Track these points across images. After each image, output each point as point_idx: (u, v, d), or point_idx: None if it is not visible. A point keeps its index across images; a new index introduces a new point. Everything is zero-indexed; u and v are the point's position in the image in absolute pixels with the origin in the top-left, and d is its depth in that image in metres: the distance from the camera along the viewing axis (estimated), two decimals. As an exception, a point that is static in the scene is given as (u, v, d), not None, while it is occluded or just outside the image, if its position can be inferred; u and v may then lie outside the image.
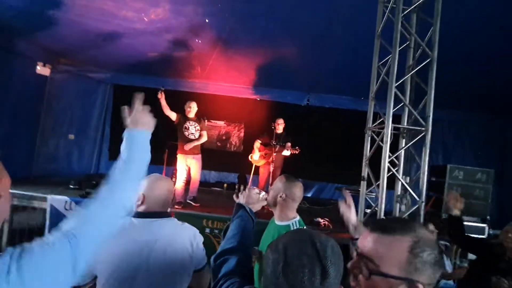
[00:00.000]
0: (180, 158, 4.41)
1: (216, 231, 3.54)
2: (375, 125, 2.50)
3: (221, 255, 1.09)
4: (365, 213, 2.51)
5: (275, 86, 6.60)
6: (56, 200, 3.43)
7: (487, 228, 3.87)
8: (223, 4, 3.80)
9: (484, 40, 3.48)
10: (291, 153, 4.77)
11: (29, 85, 5.47)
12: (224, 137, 7.35)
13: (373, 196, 2.54)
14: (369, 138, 2.53)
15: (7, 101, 5.07)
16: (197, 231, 1.62)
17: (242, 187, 1.64)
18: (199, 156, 4.48)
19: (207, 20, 4.33)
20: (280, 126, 4.94)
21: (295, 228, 1.75)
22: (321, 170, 6.58)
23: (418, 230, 0.73)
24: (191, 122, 4.46)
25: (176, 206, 4.14)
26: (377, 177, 2.36)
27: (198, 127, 4.48)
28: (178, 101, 5.09)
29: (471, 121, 6.48)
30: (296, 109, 6.59)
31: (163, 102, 4.19)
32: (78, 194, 3.81)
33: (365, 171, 2.56)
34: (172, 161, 4.84)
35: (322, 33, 4.08)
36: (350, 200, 1.34)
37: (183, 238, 1.48)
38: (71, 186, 4.48)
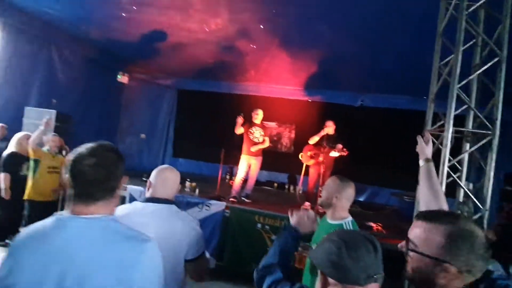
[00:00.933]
0: (244, 158, 4.92)
1: (267, 227, 3.73)
2: (435, 128, 2.37)
3: (264, 269, 1.21)
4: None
5: (327, 87, 6.53)
6: (134, 190, 4.05)
7: None
8: (277, 9, 3.97)
9: None
10: (339, 155, 4.70)
11: (111, 91, 6.45)
12: (275, 138, 7.53)
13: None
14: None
15: (94, 105, 6.07)
16: (194, 220, 1.64)
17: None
18: (260, 157, 4.98)
19: (261, 26, 4.55)
20: (329, 128, 4.90)
21: (348, 227, 1.79)
22: (375, 174, 6.27)
23: (458, 222, 0.84)
24: (256, 127, 4.91)
25: (231, 199, 4.55)
26: (436, 182, 2.24)
27: (262, 132, 4.96)
28: (233, 103, 5.45)
29: None
30: (349, 110, 6.42)
31: (239, 124, 4.74)
32: (150, 185, 4.39)
33: (422, 175, 2.44)
34: (228, 160, 5.20)
35: (377, 32, 3.96)
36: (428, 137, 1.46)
37: (177, 224, 1.49)
38: (144, 179, 5.16)
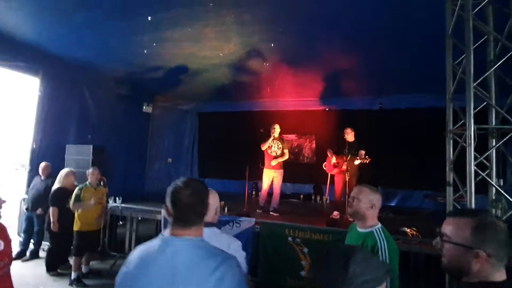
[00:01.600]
0: (266, 172, 5.20)
1: (298, 239, 3.74)
2: (457, 127, 2.35)
3: None
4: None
5: (343, 95, 6.55)
6: (166, 213, 4.23)
7: None
8: (285, 27, 4.13)
9: None
10: (361, 162, 4.66)
11: (138, 121, 6.90)
12: (296, 150, 7.58)
13: (464, 202, 2.35)
14: (451, 140, 2.38)
15: (124, 135, 6.50)
16: (237, 241, 1.72)
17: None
18: (282, 170, 5.20)
19: (272, 45, 4.74)
20: (349, 135, 4.91)
21: (379, 234, 1.79)
22: (404, 177, 6.07)
23: (484, 216, 0.99)
24: (274, 141, 5.17)
25: (258, 210, 4.90)
26: (464, 181, 2.20)
27: (280, 146, 5.19)
28: (252, 120, 5.61)
29: None
30: (368, 114, 6.36)
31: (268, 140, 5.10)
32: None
33: (450, 176, 2.40)
34: (253, 176, 5.34)
35: (388, 36, 4.00)
36: None
37: (221, 247, 1.63)
38: (174, 202, 5.38)
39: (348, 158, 4.70)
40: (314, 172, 6.56)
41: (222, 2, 3.59)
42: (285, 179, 7.26)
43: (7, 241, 1.52)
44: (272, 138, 5.08)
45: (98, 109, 5.94)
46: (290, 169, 7.24)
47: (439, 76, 3.68)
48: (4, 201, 1.59)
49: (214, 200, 1.79)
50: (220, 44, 4.66)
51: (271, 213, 5.02)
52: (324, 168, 5.24)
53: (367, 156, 4.64)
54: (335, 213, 4.89)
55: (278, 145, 5.14)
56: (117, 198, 5.22)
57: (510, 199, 2.08)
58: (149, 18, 3.92)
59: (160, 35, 4.35)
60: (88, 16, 3.84)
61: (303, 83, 6.12)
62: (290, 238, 3.78)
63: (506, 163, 2.26)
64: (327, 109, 6.88)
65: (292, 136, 7.62)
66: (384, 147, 5.91)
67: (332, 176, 5.21)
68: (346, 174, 4.67)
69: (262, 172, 5.28)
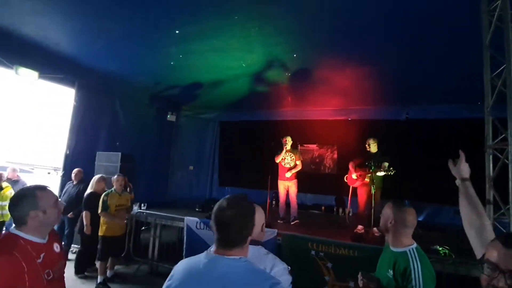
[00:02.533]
0: (280, 183, 5.26)
1: (321, 254, 3.63)
2: (497, 142, 2.21)
3: None
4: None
5: (367, 104, 6.40)
6: (190, 220, 4.30)
7: None
8: (308, 38, 4.14)
9: None
10: (385, 174, 4.49)
11: (162, 130, 7.11)
12: (317, 160, 7.46)
13: (506, 221, 2.19)
14: (491, 156, 2.23)
15: (149, 144, 6.71)
16: (282, 264, 1.60)
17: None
18: (295, 180, 5.23)
19: (295, 55, 4.75)
20: (372, 146, 4.76)
21: (412, 254, 1.69)
22: (432, 191, 5.74)
23: None
24: (287, 153, 5.23)
25: (279, 221, 4.98)
26: (505, 199, 2.04)
27: (293, 157, 5.24)
28: (273, 130, 5.61)
29: None
30: (394, 125, 6.15)
31: (281, 154, 5.20)
32: (205, 215, 4.64)
33: (490, 193, 2.24)
34: (273, 186, 5.32)
35: (414, 46, 3.89)
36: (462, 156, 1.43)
37: (260, 265, 1.57)
38: (197, 209, 5.47)
39: (372, 171, 4.53)
40: (335, 183, 6.40)
41: (246, 14, 3.67)
42: (306, 190, 7.23)
43: (61, 245, 1.55)
44: (284, 150, 5.13)
45: (127, 118, 6.20)
46: (311, 180, 7.16)
47: (470, 86, 3.52)
48: (63, 204, 1.63)
49: (259, 216, 1.74)
50: (243, 54, 4.74)
51: (291, 223, 4.97)
52: (346, 181, 5.10)
53: (391, 168, 4.45)
54: (360, 227, 4.72)
55: (291, 157, 5.20)
56: (142, 205, 5.36)
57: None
58: (177, 31, 4.08)
59: (186, 47, 4.50)
60: (121, 31, 4.06)
61: (325, 92, 6.06)
62: (313, 252, 3.68)
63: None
64: (349, 119, 6.74)
65: (313, 146, 7.51)
66: (411, 159, 5.66)
67: (355, 188, 5.05)
68: (372, 187, 4.50)
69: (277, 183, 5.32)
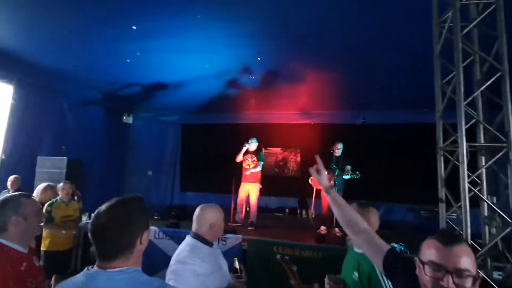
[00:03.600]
0: (242, 185, 5.11)
1: (287, 257, 3.60)
2: (447, 144, 2.39)
3: None
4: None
5: (328, 109, 6.65)
6: (148, 230, 3.95)
7: None
8: (273, 42, 4.15)
9: None
10: (351, 177, 4.69)
11: (117, 132, 6.58)
12: (281, 163, 7.53)
13: (454, 217, 2.37)
14: (442, 157, 2.41)
15: (102, 147, 6.15)
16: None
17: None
18: (258, 184, 5.10)
19: (259, 59, 4.74)
20: (339, 150, 4.96)
21: None
22: (387, 190, 6.15)
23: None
24: (250, 154, 5.15)
25: (234, 225, 4.82)
26: (457, 197, 2.21)
27: (254, 158, 5.15)
28: (237, 133, 5.53)
29: None
30: (351, 129, 6.47)
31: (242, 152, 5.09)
32: (164, 224, 4.33)
33: (442, 192, 2.41)
34: (237, 189, 5.20)
35: (371, 52, 4.11)
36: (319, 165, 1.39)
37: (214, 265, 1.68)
38: (155, 217, 5.10)
39: (337, 174, 4.71)
40: (299, 185, 6.52)
41: (210, 14, 3.55)
42: (270, 193, 7.24)
43: (39, 261, 1.46)
44: (244, 149, 5.04)
45: (75, 119, 5.59)
46: (275, 183, 7.21)
47: (422, 92, 3.81)
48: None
49: (210, 215, 1.70)
50: (207, 55, 4.59)
51: (249, 228, 4.88)
52: (310, 183, 5.20)
53: (357, 172, 4.67)
54: (322, 228, 4.82)
55: (252, 158, 5.12)
56: (92, 214, 4.85)
57: (505, 216, 2.11)
58: (134, 27, 3.79)
59: (144, 45, 4.21)
60: (69, 22, 3.64)
61: (288, 96, 6.16)
62: (278, 256, 3.63)
63: (497, 179, 2.30)
64: (311, 122, 6.93)
65: (277, 149, 7.58)
66: (368, 161, 6.00)
67: (318, 191, 5.17)
68: (334, 189, 4.64)
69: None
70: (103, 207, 0.95)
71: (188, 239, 1.69)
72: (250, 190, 5.04)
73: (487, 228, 2.18)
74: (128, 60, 4.66)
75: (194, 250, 1.60)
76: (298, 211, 6.79)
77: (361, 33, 3.63)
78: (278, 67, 4.96)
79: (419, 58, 3.32)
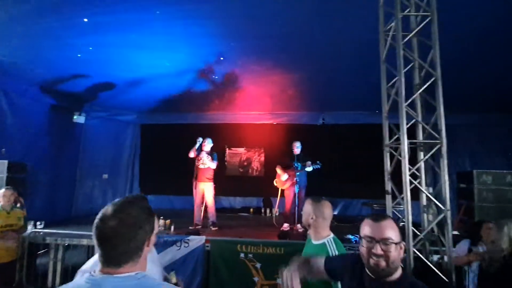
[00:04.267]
0: (197, 185, 5.08)
1: (250, 255, 3.68)
2: (392, 142, 2.66)
3: None
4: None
5: (290, 109, 6.88)
6: (103, 237, 3.74)
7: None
8: (236, 42, 4.21)
9: (490, 46, 3.65)
10: (313, 169, 4.95)
11: (67, 133, 6.09)
12: (245, 163, 7.61)
13: (402, 209, 2.64)
14: (388, 154, 2.68)
15: (50, 150, 5.65)
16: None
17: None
18: (212, 183, 5.14)
19: (222, 58, 4.76)
20: (297, 148, 5.19)
21: (330, 244, 1.86)
22: (345, 187, 6.58)
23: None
24: (205, 154, 5.16)
25: (194, 227, 4.76)
26: (402, 190, 2.47)
27: (209, 157, 5.19)
28: (200, 133, 5.47)
29: (496, 123, 6.31)
30: (312, 129, 6.79)
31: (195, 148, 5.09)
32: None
33: (389, 186, 2.68)
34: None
35: (329, 57, 4.38)
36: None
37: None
38: (112, 223, 4.82)
39: (300, 169, 4.94)
40: (263, 185, 6.65)
41: (170, 11, 3.49)
42: (235, 193, 7.29)
43: None
44: (198, 144, 5.07)
45: (17, 118, 5.06)
46: (240, 183, 7.28)
47: (372, 96, 4.16)
48: None
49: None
50: (167, 53, 4.49)
51: (210, 227, 4.89)
52: (275, 184, 5.33)
53: (318, 162, 4.93)
54: (285, 225, 4.99)
55: (207, 157, 5.15)
56: (37, 223, 4.45)
57: (440, 204, 2.40)
58: (85, 19, 3.57)
59: (98, 39, 3.98)
60: (7, 13, 3.31)
61: (252, 97, 6.26)
62: (242, 255, 3.69)
63: (435, 173, 2.62)
64: (275, 122, 7.12)
65: (241, 150, 7.64)
66: (329, 159, 6.34)
67: (283, 190, 5.33)
68: (296, 187, 4.86)
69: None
70: (108, 210, 0.90)
71: None
72: (205, 190, 5.05)
73: (425, 215, 2.48)
74: (79, 55, 4.37)
75: None
76: (263, 210, 6.93)
77: (319, 39, 3.86)
78: (242, 68, 5.02)
79: (370, 64, 3.63)
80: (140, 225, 0.91)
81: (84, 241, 3.99)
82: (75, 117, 6.05)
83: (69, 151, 6.15)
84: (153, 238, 0.97)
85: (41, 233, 4.19)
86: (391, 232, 1.14)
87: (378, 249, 1.11)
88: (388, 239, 1.12)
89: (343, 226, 5.27)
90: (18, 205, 3.64)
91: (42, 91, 5.41)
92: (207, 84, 5.59)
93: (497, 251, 2.15)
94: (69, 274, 3.96)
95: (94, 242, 0.89)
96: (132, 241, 0.88)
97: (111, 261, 0.87)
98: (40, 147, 5.40)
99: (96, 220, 0.90)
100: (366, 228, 1.18)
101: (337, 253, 1.81)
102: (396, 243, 1.13)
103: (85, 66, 4.76)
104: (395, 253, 1.12)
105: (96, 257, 1.50)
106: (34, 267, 4.19)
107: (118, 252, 0.87)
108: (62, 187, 5.90)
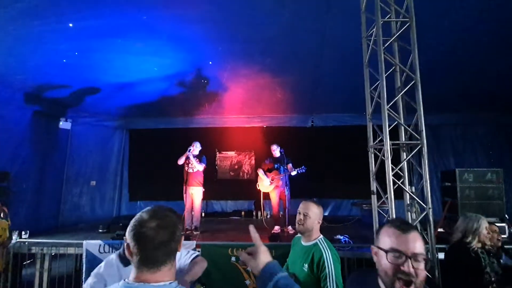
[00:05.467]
0: (186, 189, 5.05)
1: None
2: (376, 143, 2.76)
3: None
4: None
5: (280, 112, 6.97)
6: (91, 244, 3.71)
7: (507, 227, 3.93)
8: (223, 46, 4.27)
9: (473, 48, 3.84)
10: (298, 173, 5.00)
11: (53, 140, 5.99)
12: (236, 166, 7.65)
13: (387, 208, 2.74)
14: (373, 154, 2.78)
15: (34, 157, 5.54)
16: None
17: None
18: (201, 188, 5.14)
19: (210, 63, 4.81)
20: (275, 151, 5.28)
21: (323, 245, 1.91)
22: (335, 188, 6.70)
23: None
24: (193, 157, 5.13)
25: (188, 232, 4.74)
26: (386, 190, 2.57)
27: (197, 160, 5.16)
28: (189, 138, 5.49)
29: (478, 122, 6.55)
30: (302, 131, 6.89)
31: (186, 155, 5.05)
32: (110, 237, 4.09)
33: (374, 185, 2.78)
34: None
35: (315, 60, 4.50)
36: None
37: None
38: (100, 230, 4.78)
39: (282, 173, 5.00)
40: (254, 188, 6.68)
41: (157, 16, 3.52)
42: (226, 197, 7.30)
43: None
44: (189, 153, 5.02)
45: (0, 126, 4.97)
46: (231, 187, 7.30)
47: (358, 98, 4.30)
48: None
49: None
50: (155, 58, 4.51)
51: (194, 232, 4.89)
52: (258, 188, 5.39)
53: (302, 166, 4.99)
54: (276, 227, 5.04)
55: (196, 161, 5.14)
56: (22, 232, 4.36)
57: (422, 203, 2.51)
58: (70, 25, 3.57)
59: (84, 44, 3.97)
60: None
61: (242, 100, 6.32)
62: (233, 258, 3.72)
63: (414, 172, 2.73)
64: (265, 126, 7.20)
65: (231, 153, 7.68)
66: (318, 161, 6.46)
67: (265, 193, 5.38)
68: (285, 188, 4.92)
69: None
70: (143, 215, 0.93)
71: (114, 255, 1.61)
72: (194, 194, 5.06)
73: (409, 214, 2.58)
74: (64, 60, 4.34)
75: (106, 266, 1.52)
76: (254, 213, 6.97)
77: (303, 43, 3.97)
78: (231, 71, 5.08)
79: (355, 67, 3.76)
80: (176, 226, 0.96)
81: (72, 250, 3.93)
82: (61, 123, 5.97)
83: (55, 158, 6.05)
84: (182, 242, 1.00)
85: (26, 243, 4.11)
86: (421, 245, 0.96)
87: (409, 267, 0.91)
88: (420, 255, 0.93)
89: (333, 226, 5.36)
90: (2, 215, 3.56)
91: (26, 98, 5.32)
92: (197, 89, 5.62)
93: (452, 240, 2.26)
94: (56, 284, 3.90)
95: (131, 249, 0.90)
96: (172, 241, 0.93)
97: (150, 262, 0.89)
98: (24, 155, 5.29)
99: (133, 225, 0.92)
100: (391, 240, 0.97)
101: (329, 251, 1.87)
102: (426, 260, 0.94)
103: (71, 71, 4.73)
104: (424, 272, 0.93)
105: (109, 259, 1.52)
106: (20, 278, 4.10)
107: (160, 252, 0.90)
108: (48, 195, 5.79)
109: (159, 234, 0.91)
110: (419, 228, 2.58)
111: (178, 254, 1.74)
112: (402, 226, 0.99)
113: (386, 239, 0.99)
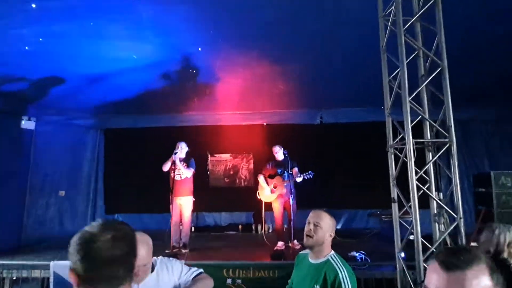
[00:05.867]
0: (174, 200, 5.03)
1: (239, 280, 3.70)
2: (396, 142, 2.75)
3: None
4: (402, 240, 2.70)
5: (283, 107, 6.96)
6: (59, 266, 3.68)
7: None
8: (214, 30, 4.26)
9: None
10: (304, 179, 4.99)
11: (13, 142, 5.98)
12: (231, 172, 7.63)
13: (410, 219, 2.72)
14: (393, 155, 2.78)
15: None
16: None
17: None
18: (190, 197, 5.14)
19: (200, 49, 4.80)
20: (278, 153, 5.25)
21: (337, 262, 1.90)
22: (348, 196, 6.67)
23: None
24: (180, 161, 5.12)
25: (167, 251, 4.71)
26: (409, 197, 2.56)
27: (185, 164, 5.17)
28: (176, 138, 5.48)
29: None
30: (309, 129, 6.88)
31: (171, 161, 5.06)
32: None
33: (394, 192, 2.77)
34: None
35: (325, 45, 4.49)
36: None
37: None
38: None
39: (287, 179, 4.97)
40: (253, 197, 6.68)
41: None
42: (220, 209, 7.28)
43: None
44: (175, 157, 5.02)
45: None
46: (226, 196, 7.28)
47: (375, 89, 4.29)
48: None
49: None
50: (134, 44, 4.50)
51: (182, 250, 4.88)
52: (259, 197, 5.37)
53: (310, 171, 4.97)
54: (280, 243, 5.03)
55: (183, 166, 5.13)
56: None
57: (451, 212, 2.50)
58: (33, 5, 3.56)
59: (49, 29, 3.97)
60: None
61: (238, 94, 6.31)
62: (229, 280, 3.72)
63: (441, 176, 2.73)
64: (265, 123, 7.18)
65: (226, 156, 7.66)
66: (327, 164, 6.44)
67: (268, 203, 5.36)
68: (291, 197, 4.90)
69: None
70: (91, 229, 0.91)
71: None
72: (182, 206, 5.06)
73: (436, 225, 2.57)
74: (27, 47, 4.33)
75: None
76: (253, 227, 6.96)
77: (312, 24, 3.95)
78: (224, 60, 5.07)
79: (371, 52, 3.74)
80: (134, 237, 0.96)
81: (37, 273, 3.92)
82: (22, 122, 5.96)
83: (16, 163, 6.03)
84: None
85: (-18, 265, 4.10)
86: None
87: None
88: None
89: (347, 242, 5.33)
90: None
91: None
92: (185, 80, 5.60)
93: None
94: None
95: (78, 267, 0.88)
96: (131, 255, 0.93)
97: (109, 282, 0.88)
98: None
99: (79, 244, 0.90)
100: (433, 277, 0.88)
101: (344, 268, 1.86)
102: None
103: (34, 60, 4.71)
104: None
105: None
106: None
107: (121, 267, 0.90)
108: (8, 208, 5.76)
109: (118, 246, 0.89)
110: (449, 242, 2.57)
111: (178, 270, 1.80)
112: (449, 260, 0.86)
113: (428, 275, 0.89)
